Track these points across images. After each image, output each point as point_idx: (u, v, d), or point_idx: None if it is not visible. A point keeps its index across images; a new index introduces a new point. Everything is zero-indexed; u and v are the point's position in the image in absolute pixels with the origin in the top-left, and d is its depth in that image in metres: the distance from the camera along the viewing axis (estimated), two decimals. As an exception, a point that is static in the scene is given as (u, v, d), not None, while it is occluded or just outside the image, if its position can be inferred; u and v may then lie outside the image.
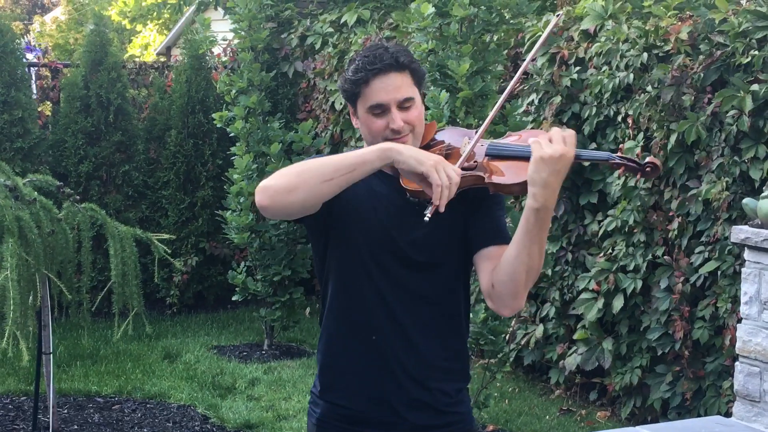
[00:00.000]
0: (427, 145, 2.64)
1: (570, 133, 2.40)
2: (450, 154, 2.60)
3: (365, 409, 2.63)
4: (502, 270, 2.50)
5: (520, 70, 2.66)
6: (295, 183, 2.42)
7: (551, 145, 2.37)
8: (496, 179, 2.51)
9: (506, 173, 2.51)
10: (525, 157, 2.47)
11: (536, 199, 2.40)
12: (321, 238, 2.64)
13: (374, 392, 2.62)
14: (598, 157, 2.54)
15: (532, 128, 6.39)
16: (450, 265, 2.63)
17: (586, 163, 2.22)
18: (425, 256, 2.59)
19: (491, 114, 2.64)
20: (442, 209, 2.39)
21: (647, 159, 2.47)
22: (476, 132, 2.62)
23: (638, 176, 2.52)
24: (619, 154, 2.51)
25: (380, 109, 2.56)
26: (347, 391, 2.65)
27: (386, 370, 2.60)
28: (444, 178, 2.38)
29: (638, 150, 5.71)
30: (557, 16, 2.86)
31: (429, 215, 2.41)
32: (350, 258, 2.60)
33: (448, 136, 2.69)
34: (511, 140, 2.59)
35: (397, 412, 2.61)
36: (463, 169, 2.51)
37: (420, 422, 2.62)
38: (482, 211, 2.62)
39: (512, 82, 2.67)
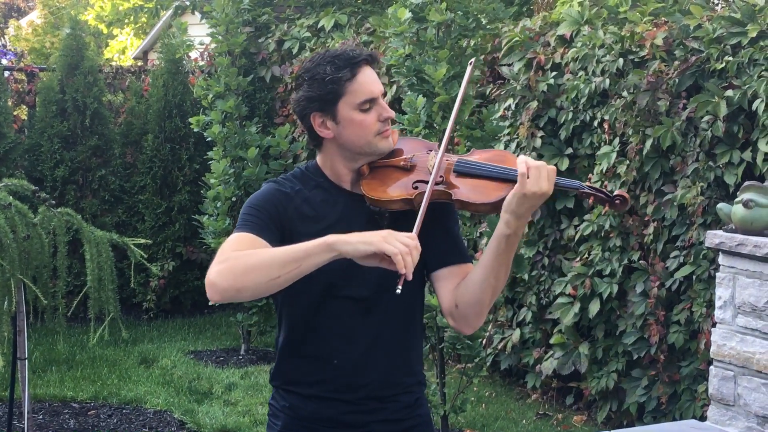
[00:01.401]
0: (390, 154, 2.61)
1: (552, 170, 2.43)
2: (414, 166, 2.58)
3: (332, 424, 2.62)
4: (468, 292, 2.53)
5: None
6: (241, 283, 2.37)
7: (537, 182, 2.41)
8: (463, 197, 2.51)
9: (474, 192, 2.51)
10: (495, 178, 2.49)
11: (509, 227, 2.45)
12: None
13: (336, 410, 2.60)
14: (569, 185, 2.53)
15: (508, 133, 6.42)
16: (408, 283, 2.51)
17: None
18: (384, 276, 2.51)
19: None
20: (410, 277, 2.32)
21: (616, 192, 2.50)
22: (439, 145, 2.61)
23: (606, 207, 2.57)
24: (588, 184, 2.54)
25: (370, 103, 2.55)
26: (308, 409, 2.63)
27: (348, 391, 2.59)
28: (400, 246, 2.31)
29: (614, 155, 5.74)
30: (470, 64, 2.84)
31: (400, 288, 2.34)
32: (310, 283, 2.51)
33: (409, 146, 2.66)
34: (476, 158, 2.58)
35: (359, 423, 2.61)
36: (426, 182, 2.50)
37: (381, 429, 2.63)
38: (439, 228, 2.59)
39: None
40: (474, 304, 2.53)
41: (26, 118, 9.03)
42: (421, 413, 2.72)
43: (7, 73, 9.04)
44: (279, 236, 2.51)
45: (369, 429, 2.62)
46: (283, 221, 2.54)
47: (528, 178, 2.40)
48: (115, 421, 6.11)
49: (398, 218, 2.54)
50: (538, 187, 2.41)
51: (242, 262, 2.38)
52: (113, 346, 7.54)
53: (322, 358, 2.60)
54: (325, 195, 2.60)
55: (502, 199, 2.46)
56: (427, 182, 2.51)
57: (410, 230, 2.41)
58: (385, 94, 2.64)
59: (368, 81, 2.55)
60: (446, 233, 2.62)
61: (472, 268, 2.60)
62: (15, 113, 8.88)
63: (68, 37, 8.71)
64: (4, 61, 9.22)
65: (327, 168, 2.63)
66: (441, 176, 2.54)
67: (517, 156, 2.51)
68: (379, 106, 2.56)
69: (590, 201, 2.55)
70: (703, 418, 5.17)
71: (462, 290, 2.54)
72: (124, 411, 6.29)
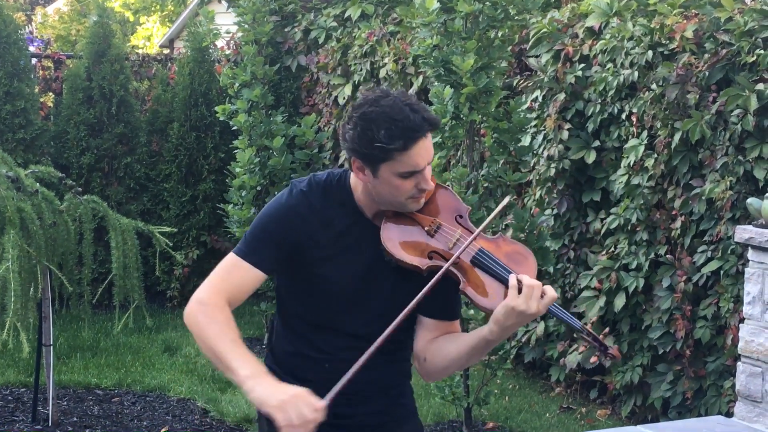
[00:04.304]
0: (421, 209, 2.59)
1: (551, 296, 2.40)
2: (436, 234, 2.56)
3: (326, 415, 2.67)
4: (438, 359, 2.61)
5: None
6: (197, 335, 2.55)
7: (526, 300, 2.37)
8: (471, 293, 2.50)
9: (484, 290, 2.49)
10: (503, 282, 2.46)
11: (493, 336, 2.46)
12: (288, 274, 2.69)
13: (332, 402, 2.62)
14: (568, 321, 2.50)
15: (535, 125, 6.38)
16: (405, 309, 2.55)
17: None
18: (385, 304, 2.59)
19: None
20: None
21: (611, 350, 2.50)
22: (467, 212, 2.60)
23: (596, 354, 2.60)
24: (588, 328, 2.52)
25: (413, 174, 2.49)
26: None
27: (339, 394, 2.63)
28: (293, 418, 2.32)
29: (642, 148, 5.70)
30: None
31: None
32: (319, 293, 2.63)
33: (443, 203, 2.62)
34: (495, 249, 2.54)
35: (347, 415, 2.67)
36: (444, 257, 2.51)
37: (371, 421, 2.72)
38: (439, 286, 2.55)
39: None
40: (441, 370, 2.64)
41: (53, 105, 9.06)
42: (404, 402, 2.80)
43: (34, 60, 9.08)
44: (283, 256, 2.59)
45: (356, 420, 2.69)
46: (290, 243, 2.59)
47: (519, 293, 2.38)
48: (138, 408, 6.13)
49: (403, 270, 2.58)
50: (527, 305, 2.38)
51: (202, 327, 2.53)
52: (137, 333, 7.57)
53: (314, 360, 2.68)
54: (344, 217, 2.61)
55: None
56: (443, 257, 2.51)
57: (412, 286, 2.49)
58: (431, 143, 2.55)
59: (417, 155, 2.46)
60: (444, 292, 2.58)
61: (455, 328, 2.66)
62: (42, 100, 8.91)
63: (95, 25, 8.73)
64: (32, 48, 9.25)
65: (355, 192, 2.63)
66: (459, 258, 2.52)
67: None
68: (420, 177, 2.50)
69: (585, 346, 2.59)
70: (728, 414, 5.13)
71: (434, 352, 2.60)
72: (147, 398, 6.31)
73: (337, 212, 2.60)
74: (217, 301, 2.56)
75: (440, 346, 2.60)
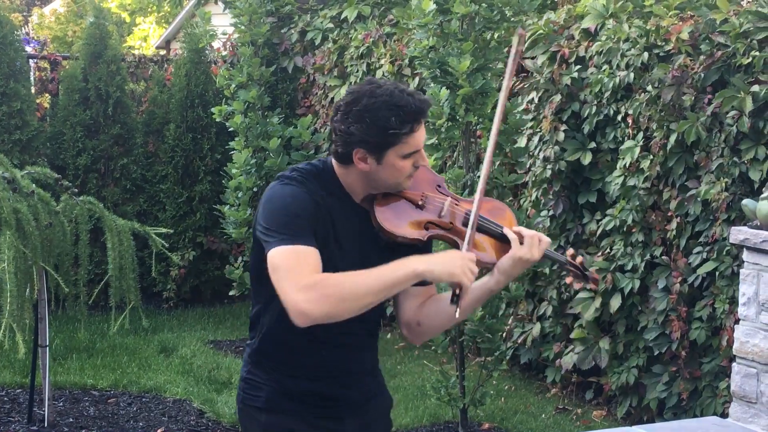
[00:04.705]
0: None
1: (546, 241, 2.70)
2: (425, 205, 2.71)
3: (317, 396, 2.79)
4: (438, 320, 2.78)
5: None
6: (336, 311, 2.51)
7: (530, 249, 2.66)
8: (475, 251, 2.68)
9: (483, 247, 2.72)
10: (497, 238, 2.72)
11: (498, 285, 2.72)
12: None
13: (317, 386, 2.78)
14: (556, 258, 2.82)
15: (531, 127, 6.39)
16: None
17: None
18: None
19: (483, 178, 2.75)
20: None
21: (591, 274, 2.80)
22: (473, 204, 2.71)
23: (579, 282, 2.89)
24: (569, 259, 2.82)
25: (414, 154, 2.67)
26: (293, 384, 2.79)
27: (328, 377, 2.79)
28: (471, 277, 2.58)
29: (638, 150, 5.71)
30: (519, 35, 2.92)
31: (459, 311, 2.63)
32: None
33: (421, 178, 2.76)
34: (483, 210, 2.74)
35: (339, 396, 2.82)
36: (439, 226, 2.70)
37: (358, 398, 2.85)
38: (415, 251, 2.70)
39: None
40: (438, 329, 2.85)
41: (49, 106, 9.06)
42: (380, 377, 2.98)
43: (31, 62, 9.08)
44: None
45: (348, 400, 2.82)
46: (315, 230, 2.62)
47: (522, 244, 2.66)
48: (134, 409, 6.13)
49: (393, 249, 2.69)
50: (531, 254, 2.66)
51: (337, 291, 2.50)
52: (133, 334, 7.57)
53: (309, 352, 2.75)
54: (338, 205, 2.70)
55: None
56: (438, 225, 2.69)
57: (393, 251, 2.65)
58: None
59: (420, 135, 2.66)
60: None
61: (434, 291, 2.84)
62: (38, 101, 8.91)
63: (91, 26, 8.73)
64: (28, 49, 9.26)
65: (344, 180, 2.72)
66: (450, 223, 2.70)
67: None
68: (419, 155, 2.68)
69: (570, 278, 2.80)
70: (724, 415, 5.14)
71: (431, 314, 2.78)
72: (143, 399, 6.31)
73: (331, 200, 2.69)
74: (314, 276, 2.52)
75: (438, 308, 2.77)
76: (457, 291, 2.59)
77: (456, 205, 2.73)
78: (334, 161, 2.72)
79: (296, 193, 2.63)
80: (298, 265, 2.52)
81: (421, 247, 2.72)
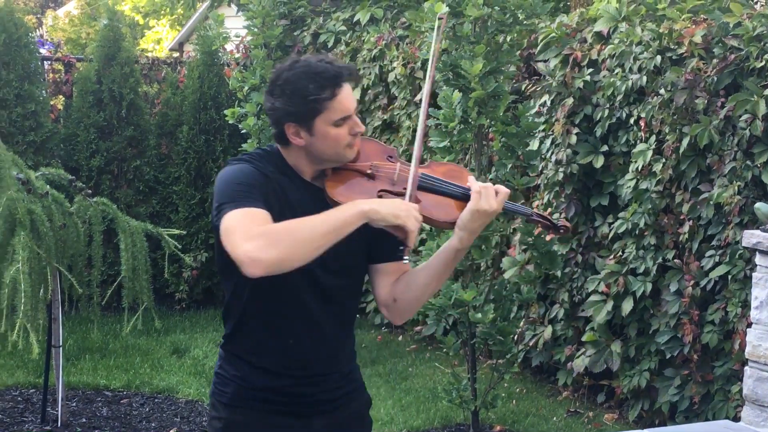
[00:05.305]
0: (354, 161, 2.72)
1: (505, 192, 2.67)
2: (377, 174, 2.71)
3: (282, 394, 2.77)
4: (411, 291, 2.75)
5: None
6: (287, 255, 2.46)
7: (487, 200, 2.64)
8: (428, 213, 2.67)
9: (438, 209, 2.70)
10: (454, 196, 2.70)
11: (462, 243, 2.68)
12: None
13: (285, 382, 2.76)
14: (519, 211, 2.83)
15: (543, 130, 6.39)
16: (358, 272, 2.81)
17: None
18: (339, 263, 2.69)
19: (418, 140, 2.77)
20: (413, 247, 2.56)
21: (560, 222, 2.78)
22: (410, 162, 2.71)
23: (550, 233, 2.82)
24: (535, 210, 2.81)
25: (344, 120, 2.66)
26: (259, 380, 2.77)
27: (298, 368, 2.76)
28: (417, 224, 2.57)
29: (650, 153, 5.71)
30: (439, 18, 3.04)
31: (407, 257, 2.69)
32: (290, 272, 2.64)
33: (368, 150, 2.77)
34: (438, 173, 2.75)
35: (307, 394, 2.79)
36: (393, 193, 2.67)
37: (327, 398, 2.82)
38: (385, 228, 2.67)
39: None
40: (414, 302, 2.78)
41: (63, 108, 9.10)
42: (356, 378, 2.93)
43: (45, 64, 9.12)
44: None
45: (315, 398, 2.79)
46: (267, 199, 2.62)
47: (480, 195, 2.64)
48: (147, 410, 6.15)
49: None
50: (488, 204, 2.63)
51: (285, 236, 2.48)
52: (146, 335, 7.59)
53: (279, 336, 2.73)
54: (289, 183, 2.70)
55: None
56: (392, 193, 2.67)
57: (361, 240, 2.62)
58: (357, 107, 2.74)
59: (346, 99, 2.66)
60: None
61: (411, 269, 2.80)
62: (52, 103, 8.94)
63: (105, 28, 8.76)
64: (43, 51, 9.29)
65: (290, 160, 2.73)
66: (404, 189, 2.68)
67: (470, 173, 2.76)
68: (352, 121, 2.68)
69: (538, 227, 2.77)
70: (736, 419, 5.13)
71: (404, 288, 2.76)
72: (156, 400, 6.33)
73: (281, 177, 2.70)
74: (263, 227, 2.50)
75: (409, 280, 2.76)
76: (403, 239, 2.58)
77: (407, 171, 2.71)
78: (277, 144, 2.75)
79: (243, 167, 2.67)
80: (248, 222, 2.50)
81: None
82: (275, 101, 2.66)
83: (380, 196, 2.66)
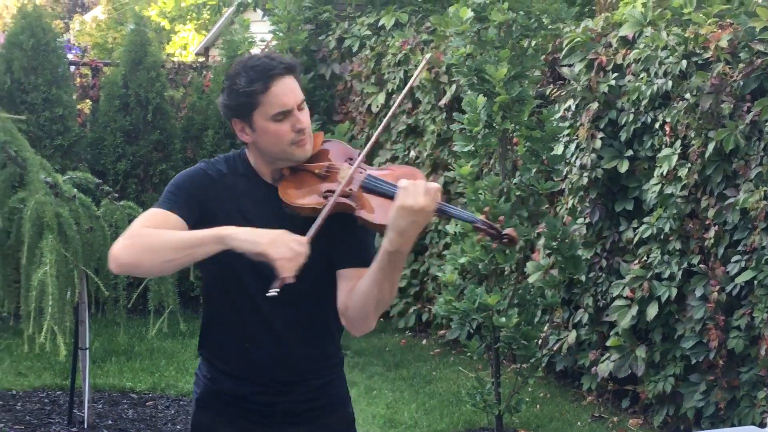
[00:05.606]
0: (313, 158, 2.70)
1: (435, 187, 2.46)
2: (328, 176, 2.66)
3: (241, 399, 2.76)
4: (355, 299, 2.59)
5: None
6: (139, 261, 2.51)
7: (415, 195, 2.43)
8: (365, 214, 2.59)
9: (376, 211, 2.59)
10: (391, 197, 2.54)
11: (391, 244, 2.47)
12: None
13: (245, 389, 2.75)
14: (462, 216, 2.62)
15: (568, 134, 6.39)
16: (319, 277, 2.65)
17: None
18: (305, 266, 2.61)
19: (375, 135, 2.75)
20: (291, 280, 2.43)
21: (506, 231, 2.54)
22: (358, 155, 2.69)
23: (495, 242, 2.66)
24: (482, 218, 2.58)
25: (283, 115, 2.62)
26: (222, 384, 2.78)
27: (257, 374, 2.73)
28: (284, 251, 2.43)
29: (675, 158, 5.69)
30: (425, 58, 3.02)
31: (276, 290, 2.44)
32: (224, 269, 2.66)
33: (333, 152, 2.74)
34: (385, 174, 2.65)
35: (267, 403, 2.75)
36: (341, 195, 2.59)
37: (290, 409, 2.75)
38: (349, 230, 2.65)
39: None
40: (359, 311, 2.59)
41: (90, 112, 9.17)
42: (334, 393, 2.84)
43: (72, 68, 9.19)
44: (198, 215, 2.61)
45: (280, 408, 2.75)
46: (202, 202, 2.65)
47: (406, 192, 2.44)
48: (172, 412, 6.19)
49: (310, 222, 2.61)
50: (414, 201, 2.42)
51: (144, 241, 2.52)
52: (171, 338, 7.63)
53: (237, 339, 2.73)
54: (247, 185, 2.70)
55: None
56: (340, 194, 2.60)
57: (320, 244, 2.54)
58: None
59: (281, 93, 2.62)
60: (353, 236, 2.68)
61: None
62: (79, 107, 9.02)
63: (132, 33, 8.83)
64: (70, 56, 9.37)
65: (252, 161, 2.74)
66: (350, 189, 2.62)
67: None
68: (293, 117, 2.64)
69: (481, 234, 2.61)
70: (762, 425, 5.10)
71: (352, 296, 2.61)
72: (181, 403, 6.36)
73: (239, 180, 2.71)
74: (141, 229, 2.58)
75: (356, 287, 2.61)
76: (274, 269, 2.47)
77: (360, 173, 2.65)
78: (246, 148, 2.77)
79: (191, 171, 2.73)
80: (140, 222, 2.59)
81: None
82: (221, 98, 2.71)
83: (326, 197, 2.61)
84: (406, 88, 2.89)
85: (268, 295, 2.45)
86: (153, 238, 2.52)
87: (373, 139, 2.74)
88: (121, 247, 2.52)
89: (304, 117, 2.66)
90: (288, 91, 2.63)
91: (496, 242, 2.59)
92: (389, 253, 2.47)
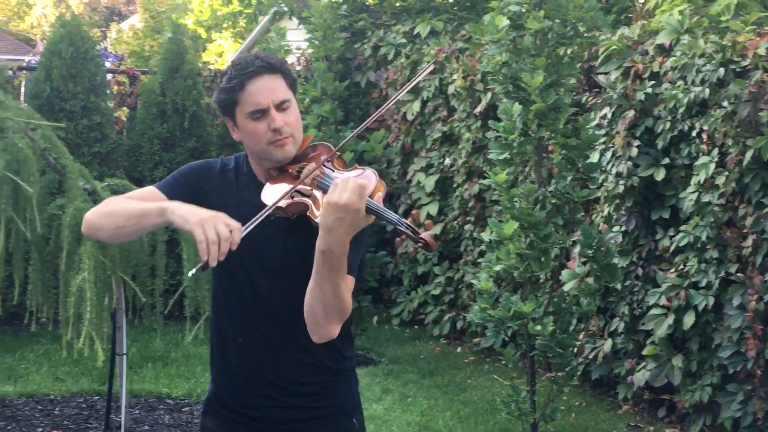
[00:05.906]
0: (296, 159, 2.71)
1: (362, 185, 2.38)
2: (299, 176, 2.66)
3: (237, 403, 2.79)
4: (305, 301, 2.53)
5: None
6: (99, 224, 2.66)
7: (341, 191, 2.37)
8: (311, 214, 2.55)
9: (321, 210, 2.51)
10: None
11: (321, 242, 2.41)
12: None
13: (241, 390, 2.77)
14: (387, 218, 2.46)
15: (603, 142, 6.36)
16: (304, 274, 2.54)
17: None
18: (282, 265, 2.67)
19: (348, 138, 2.78)
20: (212, 264, 2.38)
21: (422, 235, 2.42)
22: (329, 156, 2.69)
23: (416, 245, 2.51)
24: (409, 221, 2.47)
25: (260, 113, 2.64)
26: (220, 389, 2.84)
27: (250, 373, 2.75)
28: (211, 234, 2.38)
29: (713, 166, 5.65)
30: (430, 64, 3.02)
31: (193, 271, 2.42)
32: (227, 281, 2.74)
33: (320, 154, 2.74)
34: (337, 174, 2.63)
35: (260, 406, 2.75)
36: (302, 194, 2.58)
37: (284, 417, 2.74)
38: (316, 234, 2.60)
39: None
40: (308, 313, 2.53)
41: (127, 119, 9.26)
42: (333, 402, 2.79)
43: (109, 76, 9.28)
44: (191, 200, 2.62)
45: (266, 414, 2.75)
46: (199, 193, 2.73)
47: (335, 187, 2.39)
48: (208, 418, 6.21)
49: (293, 222, 2.62)
50: (339, 197, 2.36)
51: (108, 208, 2.66)
52: (207, 344, 7.59)
53: (225, 342, 2.78)
54: (245, 183, 2.76)
55: None
56: (301, 194, 2.59)
57: (305, 234, 2.53)
58: (293, 101, 2.73)
59: (256, 91, 2.64)
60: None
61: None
62: (116, 115, 9.11)
63: (169, 41, 8.90)
64: (107, 64, 9.47)
65: (250, 161, 2.79)
66: (311, 189, 2.61)
67: None
68: (269, 116, 2.64)
69: (401, 237, 2.52)
70: (800, 436, 5.06)
71: (307, 298, 2.54)
72: (216, 409, 6.39)
73: (240, 177, 2.77)
74: (119, 197, 2.72)
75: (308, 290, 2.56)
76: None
77: (322, 173, 2.62)
78: None
79: (198, 161, 2.86)
80: (128, 194, 2.73)
81: (309, 227, 2.55)
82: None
83: (292, 197, 2.60)
84: (407, 87, 2.90)
85: (189, 275, 2.57)
86: (117, 205, 2.65)
87: (346, 139, 2.79)
88: (93, 210, 2.69)
89: (285, 117, 2.65)
90: (263, 90, 2.64)
91: (415, 245, 2.48)
92: (321, 252, 2.42)
